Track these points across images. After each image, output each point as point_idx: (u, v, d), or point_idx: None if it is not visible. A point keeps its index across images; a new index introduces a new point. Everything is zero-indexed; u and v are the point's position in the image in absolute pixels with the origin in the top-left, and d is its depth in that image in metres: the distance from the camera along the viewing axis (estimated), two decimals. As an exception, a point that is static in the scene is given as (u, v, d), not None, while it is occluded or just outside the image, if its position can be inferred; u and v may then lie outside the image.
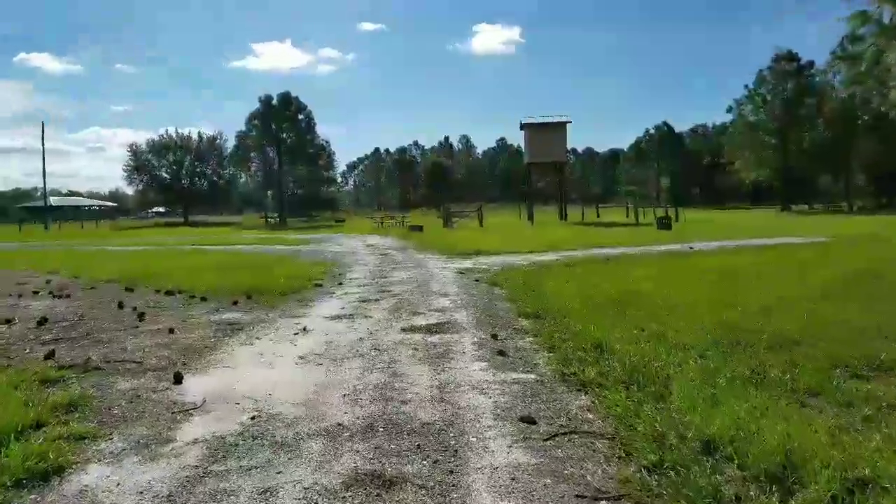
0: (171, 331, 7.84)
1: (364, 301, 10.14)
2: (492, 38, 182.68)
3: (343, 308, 9.51)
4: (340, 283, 12.46)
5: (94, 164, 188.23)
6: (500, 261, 16.68)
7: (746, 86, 68.39)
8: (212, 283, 11.94)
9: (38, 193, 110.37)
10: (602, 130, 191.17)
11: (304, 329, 7.91)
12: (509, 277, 12.66)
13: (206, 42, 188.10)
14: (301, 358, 6.47)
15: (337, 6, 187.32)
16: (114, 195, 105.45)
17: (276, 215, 59.56)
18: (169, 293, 11.30)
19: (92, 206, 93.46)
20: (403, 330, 7.78)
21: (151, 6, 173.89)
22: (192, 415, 4.82)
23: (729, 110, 71.53)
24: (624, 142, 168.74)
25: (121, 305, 9.81)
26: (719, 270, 12.49)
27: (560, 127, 45.97)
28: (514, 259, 16.99)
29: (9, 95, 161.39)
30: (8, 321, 8.66)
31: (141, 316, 8.83)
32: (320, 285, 12.24)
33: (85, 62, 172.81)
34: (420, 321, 8.34)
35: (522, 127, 47.46)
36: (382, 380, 5.63)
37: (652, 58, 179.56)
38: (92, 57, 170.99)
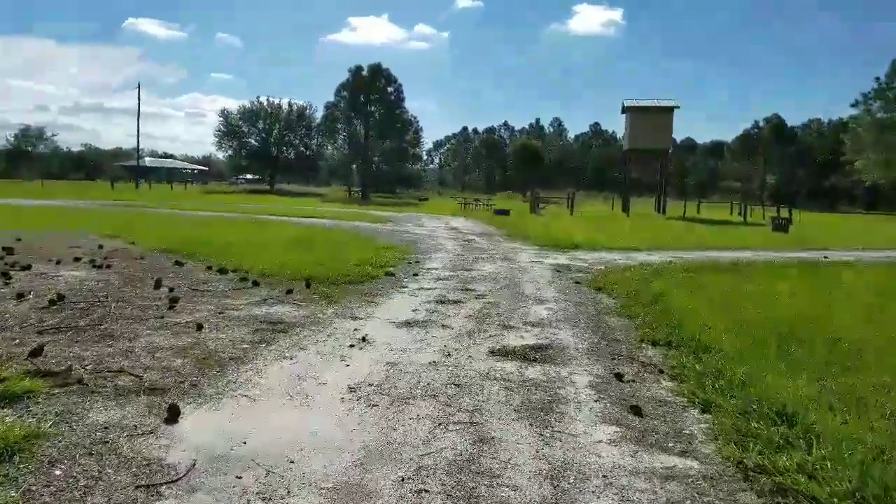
0: (200, 327, 6.20)
1: (441, 302, 8.26)
2: (592, 19, 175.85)
3: (415, 310, 7.66)
4: (416, 275, 10.66)
5: (193, 129, 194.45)
6: (600, 258, 14.52)
7: (878, 78, 62.08)
8: (272, 263, 10.41)
9: (143, 154, 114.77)
10: (704, 121, 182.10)
11: (364, 339, 6.11)
12: (617, 282, 10.54)
13: (305, 15, 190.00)
14: (351, 390, 4.65)
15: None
16: (206, 160, 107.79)
17: (359, 189, 58.67)
18: (221, 271, 9.80)
19: (185, 168, 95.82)
20: (492, 353, 5.86)
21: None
22: (161, 497, 3.06)
23: (854, 105, 65.29)
24: (726, 134, 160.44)
25: (158, 284, 8.31)
26: (890, 292, 9.95)
27: (666, 112, 42.60)
28: (617, 258, 14.78)
29: (118, 59, 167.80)
30: (20, 295, 7.26)
31: (173, 301, 7.26)
32: (392, 275, 10.47)
33: (189, 30, 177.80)
34: (513, 339, 6.40)
35: (624, 110, 44.34)
36: (462, 449, 3.73)
37: (762, 46, 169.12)
38: (196, 26, 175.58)
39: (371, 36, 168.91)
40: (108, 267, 9.72)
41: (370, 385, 4.77)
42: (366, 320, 6.98)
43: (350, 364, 5.30)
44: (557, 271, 11.90)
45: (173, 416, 3.97)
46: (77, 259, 10.31)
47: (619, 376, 5.30)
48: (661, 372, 5.58)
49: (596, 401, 4.70)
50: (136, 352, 5.36)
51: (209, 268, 10.07)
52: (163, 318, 6.61)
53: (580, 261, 13.79)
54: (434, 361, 5.49)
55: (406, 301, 8.24)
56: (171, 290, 8.05)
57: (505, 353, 5.85)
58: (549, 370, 5.41)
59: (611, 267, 12.84)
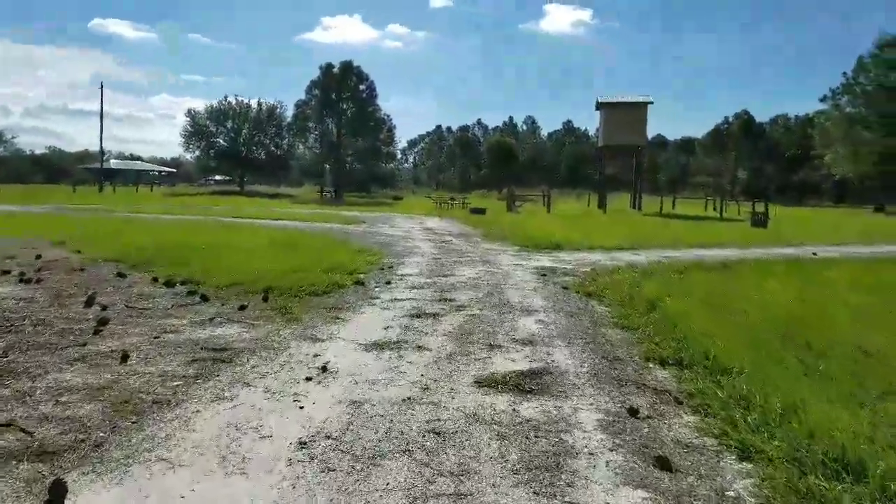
0: (125, 358, 5.15)
1: (417, 316, 7.27)
2: (562, 19, 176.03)
3: (387, 327, 6.67)
4: (388, 283, 9.65)
5: (164, 130, 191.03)
6: (584, 259, 13.65)
7: (845, 73, 62.43)
8: (228, 272, 9.36)
9: (105, 157, 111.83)
10: (672, 119, 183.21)
11: (324, 369, 5.11)
12: (607, 286, 9.67)
13: (277, 15, 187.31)
14: (302, 446, 3.65)
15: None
16: (176, 161, 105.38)
17: (331, 190, 57.33)
18: (169, 283, 8.72)
19: (152, 170, 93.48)
20: (478, 384, 4.88)
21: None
22: None
23: (823, 100, 65.65)
24: (694, 131, 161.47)
25: (90, 302, 7.21)
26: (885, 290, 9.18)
27: (640, 107, 42.01)
28: (601, 257, 13.93)
29: (85, 61, 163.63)
30: (-84, 321, 6.14)
31: (102, 324, 6.19)
32: (363, 283, 9.45)
33: (159, 30, 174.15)
34: (502, 363, 5.44)
35: (598, 106, 43.72)
36: (448, 540, 2.76)
37: (727, 46, 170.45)
38: (166, 26, 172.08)
39: (344, 35, 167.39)
40: (39, 281, 8.58)
41: (328, 438, 3.77)
42: (328, 342, 5.97)
43: (304, 406, 4.29)
44: (542, 275, 10.98)
45: (56, 497, 2.95)
46: (5, 272, 9.13)
47: (633, 412, 4.37)
48: (680, 402, 4.67)
49: (611, 449, 3.76)
50: (38, 395, 4.31)
51: (155, 279, 8.97)
52: (84, 345, 5.54)
53: (564, 262, 12.90)
54: (408, 398, 4.50)
55: (377, 316, 7.24)
56: (103, 308, 6.97)
57: (494, 383, 4.88)
58: (549, 406, 4.45)
59: (597, 269, 11.97)
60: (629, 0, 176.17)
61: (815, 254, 15.95)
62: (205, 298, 7.74)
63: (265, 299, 7.82)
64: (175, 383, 4.63)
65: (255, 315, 7.01)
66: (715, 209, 47.08)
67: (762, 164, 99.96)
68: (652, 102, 42.58)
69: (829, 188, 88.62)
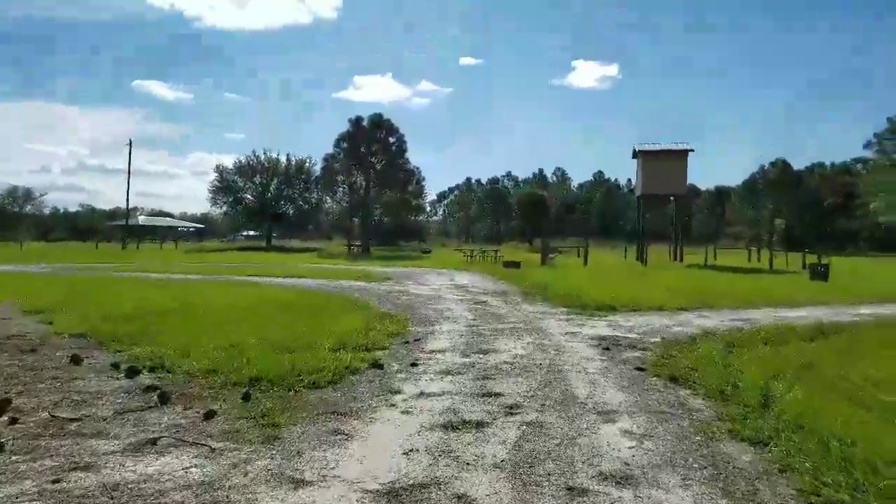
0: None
1: (453, 428, 5.12)
2: (589, 75, 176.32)
3: (410, 451, 4.54)
4: (414, 365, 7.55)
5: (197, 187, 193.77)
6: (646, 323, 11.47)
7: (889, 119, 60.13)
8: (214, 349, 7.56)
9: (139, 213, 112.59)
10: (703, 168, 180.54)
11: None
12: (691, 365, 7.52)
13: (311, 75, 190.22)
14: None
15: (440, 41, 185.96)
16: (205, 217, 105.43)
17: (358, 243, 55.72)
18: (131, 372, 6.75)
19: (181, 226, 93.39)
20: None
21: (256, 40, 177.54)
22: None
23: (867, 146, 63.18)
24: (725, 180, 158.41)
25: (0, 410, 5.23)
26: None
27: (681, 155, 39.94)
28: (666, 322, 11.74)
29: (125, 120, 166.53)
30: None
31: (-11, 452, 4.19)
32: (381, 366, 7.38)
33: (196, 90, 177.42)
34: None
35: (635, 154, 41.81)
36: None
37: (756, 93, 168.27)
38: (203, 86, 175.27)
39: (375, 94, 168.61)
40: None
41: None
42: (317, 488, 3.88)
43: None
44: (605, 349, 8.82)
45: None
46: (-69, 356, 7.26)
47: None
48: None
49: None
50: None
51: (115, 366, 7.01)
52: (-64, 499, 3.54)
53: (625, 330, 10.72)
54: None
55: (397, 427, 5.12)
56: (12, 421, 4.98)
57: None
58: None
59: (668, 338, 9.79)
60: (652, 54, 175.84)
61: (912, 314, 13.60)
62: (164, 399, 5.72)
63: (246, 397, 5.78)
64: None
65: (223, 429, 4.95)
66: (759, 260, 44.51)
67: (800, 212, 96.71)
68: (692, 150, 40.55)
69: (868, 237, 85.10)
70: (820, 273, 26.74)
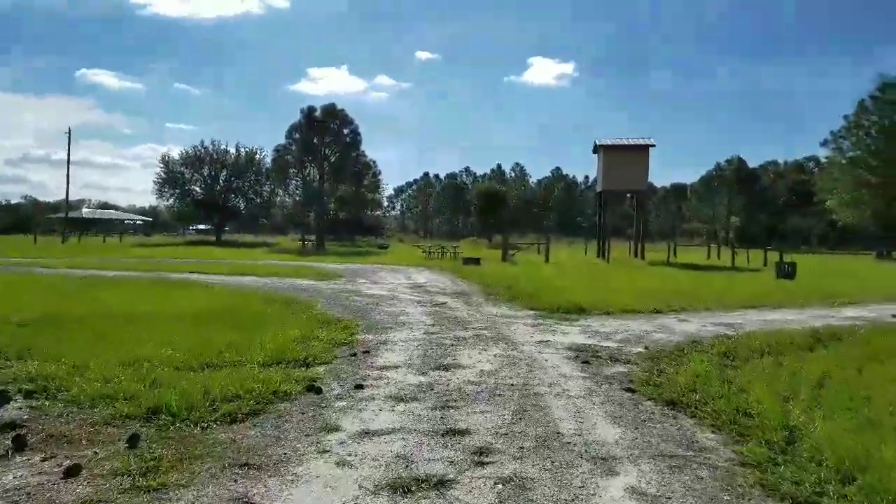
0: None
1: (403, 491, 3.75)
2: (546, 72, 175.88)
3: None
4: (359, 388, 6.20)
5: (147, 179, 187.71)
6: (625, 329, 10.35)
7: (846, 117, 60.52)
8: (112, 369, 6.11)
9: (86, 205, 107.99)
10: (656, 165, 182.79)
11: None
12: (687, 383, 6.39)
13: (264, 66, 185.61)
14: None
15: (396, 35, 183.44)
16: (154, 210, 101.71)
17: (312, 238, 53.80)
18: (2, 397, 5.28)
19: (127, 219, 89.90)
20: None
21: (210, 29, 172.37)
22: None
23: (823, 144, 63.49)
24: (680, 177, 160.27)
25: None
26: None
27: (641, 151, 39.17)
28: (646, 327, 10.63)
29: (70, 110, 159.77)
30: None
31: None
32: (318, 390, 6.02)
33: (145, 81, 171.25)
34: None
35: (596, 149, 40.97)
36: None
37: (708, 90, 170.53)
38: (152, 76, 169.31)
39: (331, 86, 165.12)
40: None
41: None
42: None
43: None
44: (584, 363, 7.61)
45: None
46: None
47: None
48: None
49: None
50: None
51: (-23, 393, 5.52)
52: None
53: (602, 337, 9.55)
54: None
55: (326, 493, 3.74)
56: None
57: None
58: None
59: (651, 347, 8.66)
60: (609, 52, 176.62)
61: (894, 315, 12.81)
62: (19, 444, 4.27)
63: (132, 442, 4.37)
64: None
65: (82, 496, 3.56)
66: (718, 257, 44.28)
67: (755, 210, 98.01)
68: (654, 145, 39.81)
69: (822, 234, 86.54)
70: (786, 272, 26.20)
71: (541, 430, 4.90)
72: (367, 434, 4.78)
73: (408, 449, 4.45)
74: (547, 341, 9.06)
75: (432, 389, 6.17)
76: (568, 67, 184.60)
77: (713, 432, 5.09)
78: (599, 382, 6.64)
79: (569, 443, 4.64)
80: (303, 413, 5.32)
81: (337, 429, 4.90)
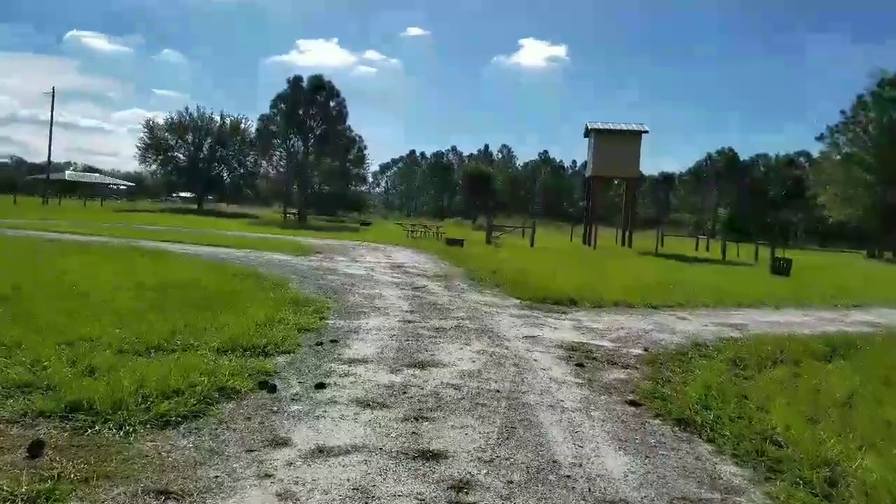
0: None
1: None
2: (537, 54, 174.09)
3: None
4: (322, 386, 5.35)
5: (133, 144, 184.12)
6: (617, 324, 9.59)
7: (843, 111, 59.79)
8: (51, 349, 5.31)
9: (71, 168, 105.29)
10: (645, 154, 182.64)
11: None
12: (699, 398, 5.59)
13: (253, 36, 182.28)
14: None
15: (387, 10, 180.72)
16: (138, 176, 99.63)
17: (295, 211, 52.61)
18: None
19: (111, 184, 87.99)
20: None
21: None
22: None
23: (819, 138, 62.78)
24: (670, 167, 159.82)
25: None
26: None
27: (634, 136, 38.33)
28: (642, 325, 9.84)
29: (59, 71, 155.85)
30: None
31: None
32: (272, 388, 5.17)
33: (133, 45, 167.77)
34: None
35: (587, 133, 40.08)
36: None
37: (705, 82, 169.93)
38: (141, 40, 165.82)
39: (320, 59, 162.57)
40: None
41: None
42: None
43: None
44: (578, 365, 6.80)
45: None
46: None
47: None
48: None
49: None
50: None
51: None
52: None
53: (595, 334, 8.75)
54: None
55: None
56: None
57: None
58: None
59: (651, 349, 7.87)
60: (603, 38, 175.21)
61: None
62: None
63: (34, 450, 3.51)
64: None
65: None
66: (707, 249, 43.67)
67: (744, 203, 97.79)
68: (647, 131, 39.02)
69: (811, 230, 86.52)
70: (782, 268, 25.56)
71: (532, 457, 4.07)
72: (321, 452, 3.92)
73: (369, 477, 3.60)
74: (535, 337, 8.24)
75: (405, 393, 5.32)
76: (560, 50, 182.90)
77: (736, 465, 4.28)
78: (597, 392, 5.83)
79: (568, 476, 3.81)
80: (249, 419, 4.46)
81: (286, 443, 4.05)
